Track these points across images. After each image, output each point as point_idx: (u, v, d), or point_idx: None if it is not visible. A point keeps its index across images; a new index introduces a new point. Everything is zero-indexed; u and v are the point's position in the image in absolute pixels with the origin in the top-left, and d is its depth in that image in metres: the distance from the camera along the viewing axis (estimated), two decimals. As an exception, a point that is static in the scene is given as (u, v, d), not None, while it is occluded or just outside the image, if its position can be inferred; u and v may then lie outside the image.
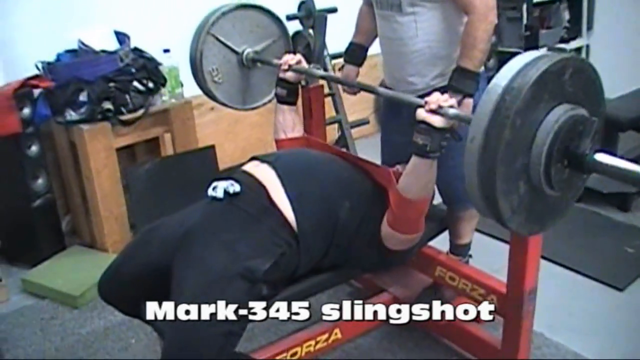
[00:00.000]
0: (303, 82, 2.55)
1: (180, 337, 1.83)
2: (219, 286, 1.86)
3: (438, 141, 1.88)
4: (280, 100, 2.55)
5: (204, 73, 2.70)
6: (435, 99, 1.87)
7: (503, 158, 1.49)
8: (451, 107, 1.87)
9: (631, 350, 2.64)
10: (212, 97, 2.78)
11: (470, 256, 2.76)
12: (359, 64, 2.85)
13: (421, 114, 1.88)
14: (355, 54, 2.84)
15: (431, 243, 2.57)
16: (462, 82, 2.30)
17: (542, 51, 1.60)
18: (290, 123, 2.54)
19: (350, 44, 2.85)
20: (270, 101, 2.88)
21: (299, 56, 2.52)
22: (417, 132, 1.90)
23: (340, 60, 2.97)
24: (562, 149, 1.56)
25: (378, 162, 2.79)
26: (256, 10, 2.79)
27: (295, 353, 2.43)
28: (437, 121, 1.86)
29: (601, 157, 1.57)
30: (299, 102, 2.61)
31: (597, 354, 2.63)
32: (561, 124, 1.53)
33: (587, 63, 1.66)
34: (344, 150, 2.92)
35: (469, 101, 2.33)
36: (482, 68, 2.49)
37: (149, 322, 2.10)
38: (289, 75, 2.50)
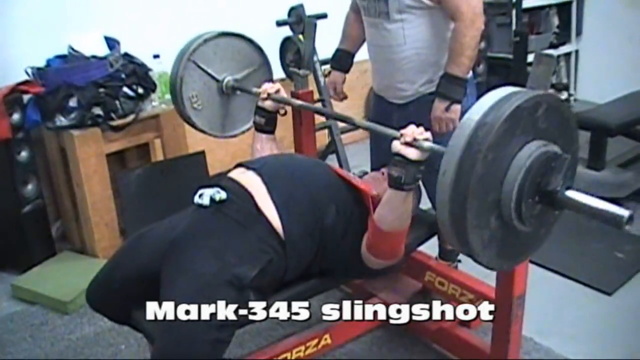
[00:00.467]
0: (282, 112, 2.56)
1: (168, 345, 1.83)
2: (206, 294, 1.85)
3: (413, 174, 1.88)
4: (258, 128, 2.55)
5: (184, 99, 2.70)
6: (411, 131, 1.86)
7: (474, 192, 1.49)
8: (426, 139, 1.86)
9: (620, 354, 2.66)
10: (191, 124, 2.77)
11: (459, 261, 2.77)
12: (346, 70, 2.87)
13: (396, 146, 1.88)
14: (342, 60, 2.85)
15: (421, 248, 2.58)
16: (450, 89, 2.31)
17: (517, 88, 1.61)
18: (267, 152, 2.54)
19: (337, 50, 2.86)
20: (249, 129, 2.88)
21: (277, 85, 2.52)
22: (392, 165, 1.90)
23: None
24: (534, 185, 1.56)
25: (368, 166, 2.81)
26: (238, 38, 2.79)
27: (286, 359, 2.43)
28: (411, 154, 1.85)
29: (572, 194, 1.58)
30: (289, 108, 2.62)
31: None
32: (533, 160, 1.53)
33: (561, 100, 1.67)
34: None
35: (457, 107, 2.35)
36: (471, 74, 2.50)
37: (138, 328, 2.11)
38: (268, 104, 2.50)
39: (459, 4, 2.27)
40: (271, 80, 2.77)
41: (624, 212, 1.49)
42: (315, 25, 2.89)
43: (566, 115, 1.66)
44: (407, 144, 1.86)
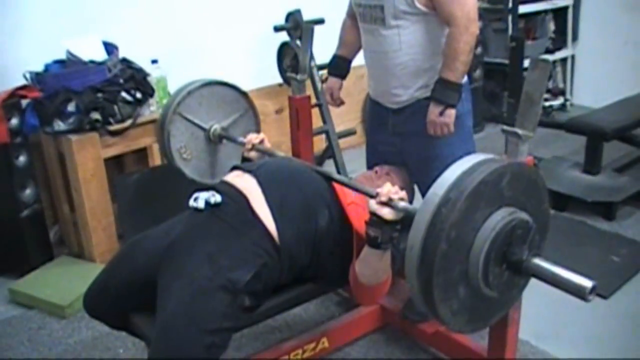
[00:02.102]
0: None
1: (163, 349, 1.84)
2: (201, 299, 1.86)
3: (388, 234, 1.88)
4: None
5: (172, 151, 2.73)
6: (386, 190, 1.86)
7: (440, 268, 1.51)
8: (401, 199, 1.86)
9: (616, 357, 2.67)
10: (182, 174, 2.80)
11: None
12: (343, 76, 2.88)
13: (372, 205, 1.88)
14: (339, 66, 2.87)
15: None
16: (444, 94, 2.33)
17: (481, 157, 1.62)
18: None
19: (334, 56, 2.87)
20: None
21: (262, 135, 2.55)
22: (368, 225, 1.90)
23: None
24: (500, 255, 1.57)
25: (364, 169, 2.82)
26: (222, 86, 2.81)
27: (283, 362, 2.45)
28: (386, 213, 1.85)
29: (538, 263, 1.60)
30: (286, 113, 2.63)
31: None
32: (498, 230, 1.55)
33: (526, 166, 1.68)
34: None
35: (452, 112, 2.36)
36: (466, 78, 2.52)
37: (136, 333, 2.11)
38: (252, 154, 2.52)
39: (453, 9, 2.29)
40: (257, 130, 2.80)
41: (588, 283, 1.51)
42: (312, 30, 2.91)
43: (533, 177, 1.67)
44: (383, 203, 1.86)
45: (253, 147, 2.51)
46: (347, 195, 2.17)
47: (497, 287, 1.60)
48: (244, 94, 2.88)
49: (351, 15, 2.72)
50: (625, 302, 3.06)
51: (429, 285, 1.52)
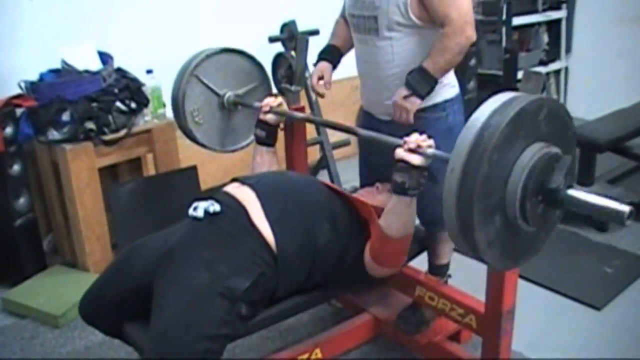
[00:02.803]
0: (282, 125, 2.60)
1: (161, 353, 1.84)
2: (199, 305, 1.87)
3: (416, 179, 1.93)
4: (259, 141, 2.60)
5: (185, 113, 2.73)
6: (414, 138, 1.92)
7: (480, 191, 1.54)
8: (429, 146, 1.91)
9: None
10: (192, 137, 2.81)
11: (450, 276, 2.78)
12: (334, 64, 2.76)
13: (400, 153, 1.93)
14: (332, 53, 2.76)
15: (411, 263, 2.60)
16: (417, 80, 2.31)
17: (518, 93, 1.66)
18: (267, 164, 2.59)
19: (327, 45, 2.78)
20: (247, 145, 2.95)
21: (280, 99, 2.57)
22: (395, 171, 1.95)
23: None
24: (537, 185, 1.61)
25: (358, 181, 2.82)
26: (240, 55, 2.84)
27: (276, 373, 2.44)
28: (415, 160, 1.91)
29: (574, 193, 1.62)
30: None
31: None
32: (536, 160, 1.59)
33: (561, 105, 1.72)
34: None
35: (416, 101, 2.33)
36: (458, 90, 2.52)
37: (130, 342, 2.11)
38: (269, 117, 2.55)
39: (448, 10, 2.25)
40: (274, 94, 2.80)
41: (625, 208, 1.54)
42: (307, 41, 2.91)
43: (566, 119, 1.72)
44: (411, 150, 1.91)
45: (270, 110, 2.54)
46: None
47: (531, 219, 1.64)
48: (260, 66, 2.91)
49: (343, 16, 2.69)
50: (618, 313, 3.07)
51: (469, 208, 1.55)
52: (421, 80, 2.31)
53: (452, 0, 2.24)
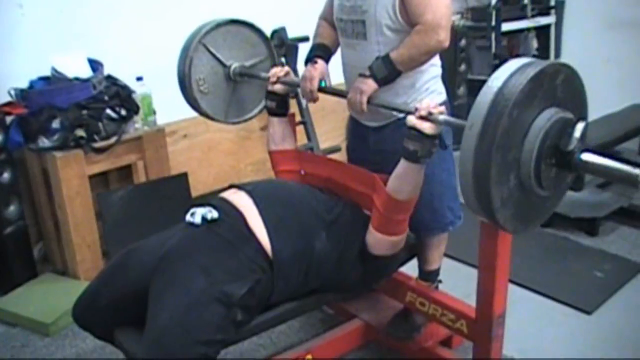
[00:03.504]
0: (292, 94, 2.58)
1: (156, 356, 1.84)
2: (195, 310, 1.88)
3: (428, 147, 1.95)
4: (271, 112, 2.60)
5: (192, 81, 2.72)
6: (426, 105, 1.93)
7: (499, 145, 1.58)
8: (441, 113, 1.92)
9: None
10: (196, 106, 2.77)
11: (440, 281, 2.78)
12: (326, 58, 2.63)
13: (411, 120, 1.94)
14: (324, 50, 2.64)
15: (401, 269, 2.60)
16: (378, 65, 2.28)
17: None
18: (280, 134, 2.59)
19: (316, 44, 2.67)
20: (251, 118, 2.93)
21: (287, 68, 2.55)
22: (407, 139, 1.97)
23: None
24: (552, 147, 1.66)
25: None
26: (248, 27, 2.82)
27: (268, 379, 2.44)
28: (427, 127, 1.92)
29: (588, 156, 1.67)
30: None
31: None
32: (552, 122, 1.64)
33: (576, 73, 1.76)
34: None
35: (372, 85, 2.30)
36: (445, 97, 2.51)
37: (122, 348, 2.11)
38: (278, 87, 2.54)
39: (423, 11, 2.23)
40: (280, 64, 2.79)
41: (637, 171, 1.58)
42: (297, 48, 2.92)
43: (580, 87, 1.77)
44: (422, 117, 1.92)
45: (278, 80, 2.53)
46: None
47: (544, 182, 1.68)
48: (267, 41, 2.90)
49: (325, 18, 2.67)
50: (608, 317, 3.08)
51: (487, 162, 1.58)
52: (381, 66, 2.29)
53: (429, 2, 2.23)
